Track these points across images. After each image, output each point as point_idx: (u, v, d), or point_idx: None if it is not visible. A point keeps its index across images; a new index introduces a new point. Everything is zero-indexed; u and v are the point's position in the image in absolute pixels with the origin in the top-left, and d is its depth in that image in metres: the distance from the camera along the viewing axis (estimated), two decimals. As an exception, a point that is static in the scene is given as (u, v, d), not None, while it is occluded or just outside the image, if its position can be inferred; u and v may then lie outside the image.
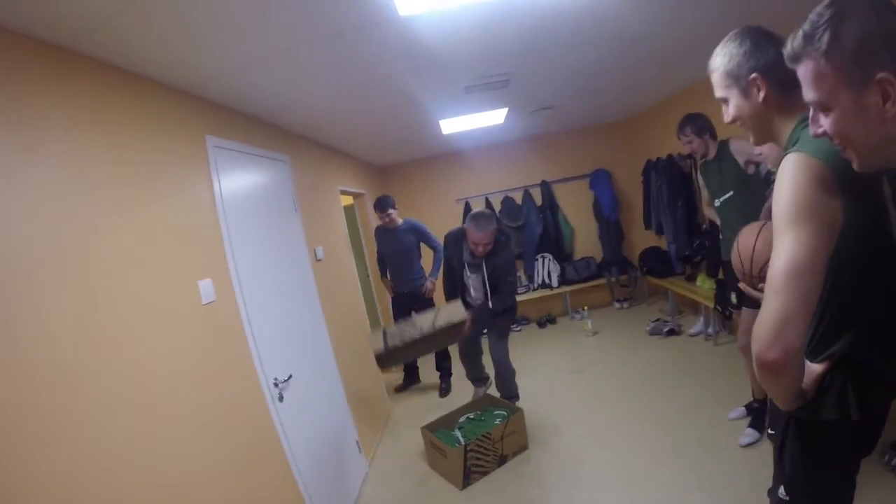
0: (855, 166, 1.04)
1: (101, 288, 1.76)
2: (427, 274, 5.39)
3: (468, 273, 4.18)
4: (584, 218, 7.58)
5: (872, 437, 1.48)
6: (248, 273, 2.71)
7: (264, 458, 2.56)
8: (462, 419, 4.10)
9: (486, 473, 3.61)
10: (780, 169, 1.19)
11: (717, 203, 3.42)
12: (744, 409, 3.56)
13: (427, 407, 5.10)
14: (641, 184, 6.75)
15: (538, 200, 7.45)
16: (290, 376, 2.86)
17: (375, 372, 4.90)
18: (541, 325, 7.34)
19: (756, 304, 1.26)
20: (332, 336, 3.77)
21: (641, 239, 7.18)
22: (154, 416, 1.88)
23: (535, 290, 7.38)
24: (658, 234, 6.59)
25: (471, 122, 4.96)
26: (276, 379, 2.73)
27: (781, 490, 1.61)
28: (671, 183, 5.87)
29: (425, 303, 5.20)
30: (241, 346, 2.56)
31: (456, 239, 4.22)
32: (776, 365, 1.07)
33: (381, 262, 5.53)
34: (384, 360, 3.61)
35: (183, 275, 2.24)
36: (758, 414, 3.39)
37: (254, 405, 2.57)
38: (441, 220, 7.06)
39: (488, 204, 7.27)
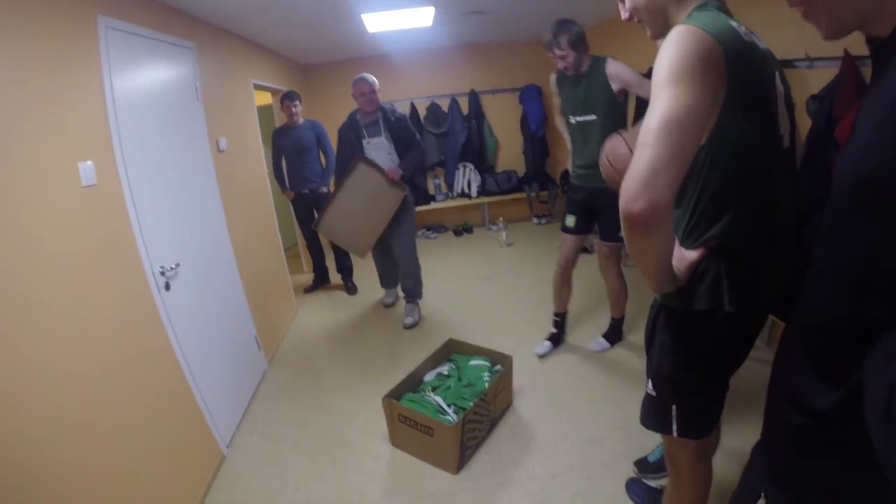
0: (822, 33, 0.88)
1: None
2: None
3: (369, 141, 4.18)
4: (510, 131, 7.55)
5: (747, 337, 1.46)
6: (137, 158, 2.57)
7: (150, 347, 2.52)
8: (429, 377, 3.27)
9: (478, 444, 2.91)
10: (666, 39, 1.13)
11: (573, 121, 3.22)
12: (549, 342, 3.78)
13: (335, 306, 5.24)
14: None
15: (465, 110, 7.35)
16: (178, 264, 2.77)
17: (282, 269, 4.91)
18: (457, 233, 7.46)
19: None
20: (231, 228, 3.65)
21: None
22: (32, 307, 1.81)
23: (453, 198, 7.44)
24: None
25: (396, 22, 4.75)
26: (162, 267, 2.64)
27: (649, 384, 1.61)
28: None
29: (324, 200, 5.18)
30: (125, 231, 2.45)
31: (349, 121, 4.28)
32: (642, 218, 0.99)
33: (279, 170, 5.31)
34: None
35: (61, 157, 2.10)
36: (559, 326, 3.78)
37: (138, 294, 2.49)
38: None
39: (413, 109, 7.13)
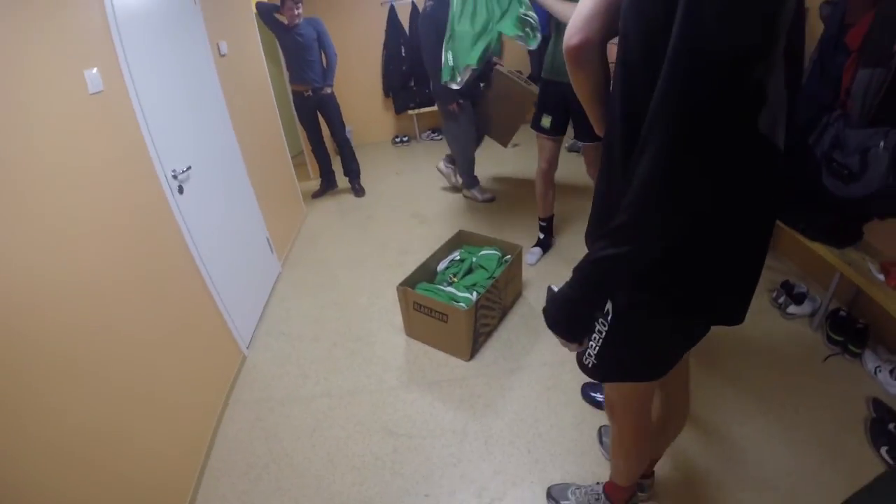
0: None
1: None
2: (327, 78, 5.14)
3: None
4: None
5: None
6: (141, 64, 2.51)
7: (167, 251, 2.55)
8: (442, 266, 3.29)
9: (491, 332, 2.99)
10: None
11: None
12: (539, 248, 3.75)
13: (343, 208, 5.27)
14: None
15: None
16: (190, 167, 2.78)
17: (289, 173, 4.90)
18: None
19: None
20: (238, 131, 3.63)
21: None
22: (50, 213, 1.81)
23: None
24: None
25: None
26: (174, 170, 2.65)
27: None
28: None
29: (331, 106, 5.15)
30: (136, 136, 2.44)
31: (432, 10, 4.00)
32: (578, 50, 1.09)
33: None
34: None
35: (67, 65, 2.04)
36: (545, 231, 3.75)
37: (152, 198, 2.49)
38: (364, 24, 6.81)
39: (414, 8, 6.65)
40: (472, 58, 3.27)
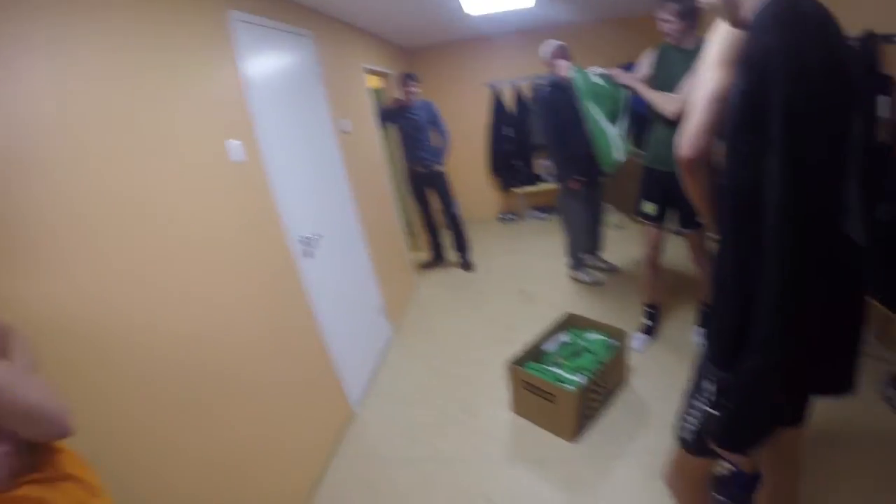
0: None
1: (137, 151, 1.90)
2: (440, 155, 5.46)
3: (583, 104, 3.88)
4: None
5: None
6: (274, 138, 2.86)
7: (287, 303, 2.80)
8: (549, 347, 3.29)
9: (594, 416, 2.95)
10: (721, 26, 1.33)
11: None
12: (645, 335, 3.65)
13: (453, 282, 5.42)
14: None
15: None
16: (316, 235, 3.08)
17: (401, 244, 5.15)
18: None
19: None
20: (358, 203, 3.96)
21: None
22: (193, 267, 2.09)
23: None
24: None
25: (494, 3, 4.70)
26: (302, 237, 2.94)
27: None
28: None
29: (441, 183, 5.43)
30: (269, 202, 2.75)
31: (553, 87, 4.15)
32: (692, 162, 1.34)
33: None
34: None
35: (212, 137, 2.38)
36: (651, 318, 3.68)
37: (281, 260, 2.78)
38: (469, 105, 7.16)
39: (517, 90, 7.05)
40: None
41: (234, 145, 2.50)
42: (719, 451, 1.26)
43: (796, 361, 1.07)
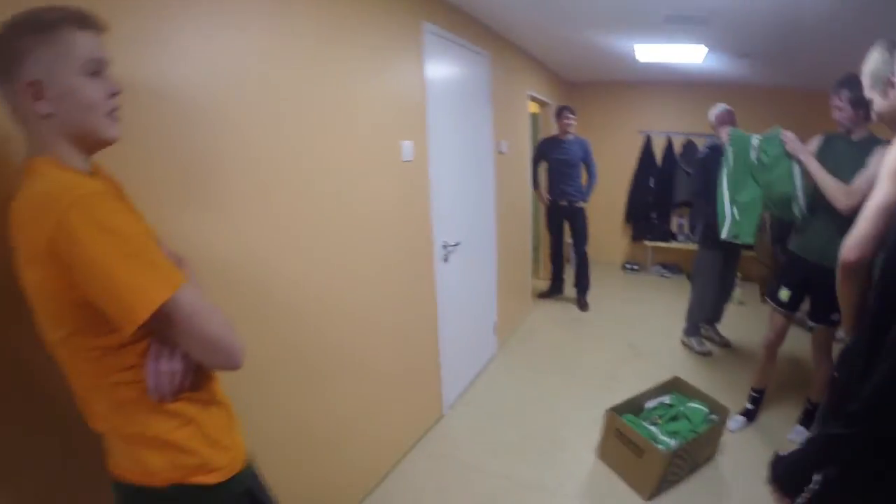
0: None
1: (327, 129, 2.24)
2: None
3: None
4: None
5: None
6: (440, 144, 3.12)
7: (419, 298, 3.08)
8: (650, 404, 3.28)
9: (675, 483, 2.88)
10: None
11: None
12: (744, 417, 3.47)
13: (566, 317, 5.46)
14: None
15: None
16: (458, 243, 3.33)
17: (526, 269, 5.31)
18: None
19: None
20: (498, 220, 4.19)
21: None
22: (344, 244, 2.39)
23: (694, 241, 7.10)
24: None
25: (667, 55, 4.74)
26: (445, 242, 3.19)
27: None
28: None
29: (580, 219, 5.46)
30: (424, 203, 3.03)
31: (712, 151, 4.07)
32: (855, 265, 1.42)
33: (534, 173, 5.64)
34: None
35: (389, 132, 2.68)
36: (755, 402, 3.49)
37: (423, 258, 3.07)
38: (619, 148, 7.15)
39: (669, 143, 6.99)
40: (750, 235, 3.40)
41: (407, 145, 2.79)
42: None
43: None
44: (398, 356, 2.92)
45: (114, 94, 1.06)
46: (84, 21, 1.00)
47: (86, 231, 0.89)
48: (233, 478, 1.16)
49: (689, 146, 6.90)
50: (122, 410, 1.05)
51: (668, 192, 6.97)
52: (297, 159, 2.07)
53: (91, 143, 1.06)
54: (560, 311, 5.64)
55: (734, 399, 3.62)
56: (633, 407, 3.19)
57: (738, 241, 3.49)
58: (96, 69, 1.02)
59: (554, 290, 6.04)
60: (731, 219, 3.46)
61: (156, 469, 1.06)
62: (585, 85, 7.26)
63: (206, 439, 1.11)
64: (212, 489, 1.11)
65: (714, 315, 4.76)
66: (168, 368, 1.03)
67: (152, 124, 1.49)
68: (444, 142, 3.16)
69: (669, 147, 6.99)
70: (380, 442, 2.81)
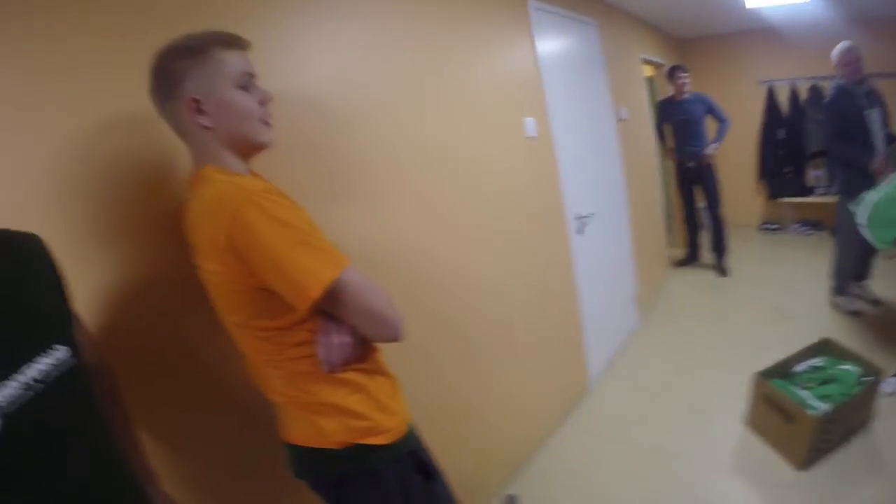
0: None
1: (451, 116, 2.36)
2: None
3: (869, 112, 3.62)
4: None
5: None
6: (561, 118, 3.15)
7: (556, 273, 3.12)
8: (800, 369, 3.06)
9: (828, 451, 2.67)
10: None
11: None
12: None
13: (704, 286, 5.23)
14: None
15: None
16: (590, 214, 3.33)
17: (660, 237, 5.20)
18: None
19: None
20: (627, 189, 4.14)
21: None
22: (482, 225, 2.50)
23: (833, 194, 6.49)
24: None
25: None
26: (578, 213, 3.21)
27: None
28: None
29: (710, 180, 5.21)
30: (553, 177, 3.08)
31: (839, 93, 3.78)
32: None
33: (660, 135, 5.50)
34: None
35: (511, 111, 2.75)
36: None
37: (557, 232, 3.11)
38: (740, 103, 6.64)
39: (793, 91, 6.42)
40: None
41: (530, 122, 2.84)
42: None
43: None
44: (543, 331, 2.98)
45: (265, 102, 1.19)
46: (229, 41, 1.13)
47: (259, 223, 0.99)
48: (400, 439, 1.24)
49: (815, 91, 6.29)
50: (296, 382, 1.17)
51: (800, 143, 6.42)
52: (428, 147, 2.20)
53: (249, 149, 1.20)
54: (699, 279, 5.42)
55: (888, 360, 3.33)
56: (781, 371, 3.02)
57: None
58: (246, 82, 1.15)
59: (691, 258, 5.79)
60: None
61: (330, 432, 1.17)
62: (696, 41, 6.87)
63: (375, 404, 1.21)
64: (381, 449, 1.20)
65: (862, 271, 4.36)
66: (338, 341, 1.12)
67: (294, 129, 1.65)
68: (564, 114, 3.19)
69: (794, 95, 6.43)
70: (529, 415, 2.88)
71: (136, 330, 1.29)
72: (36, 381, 0.79)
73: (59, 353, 0.85)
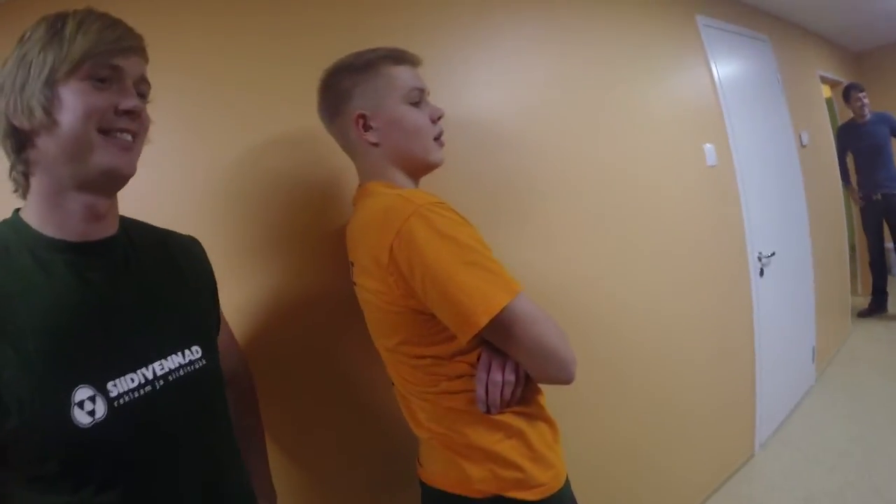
0: None
1: (625, 140, 2.25)
2: None
3: None
4: None
5: None
6: (742, 144, 2.90)
7: (733, 319, 2.81)
8: None
9: None
10: None
11: None
12: None
13: (892, 340, 4.49)
14: None
15: None
16: (773, 254, 2.97)
17: (843, 282, 4.52)
18: None
19: None
20: (810, 225, 3.67)
21: None
22: (653, 261, 2.32)
23: None
24: None
25: None
26: (760, 253, 2.89)
27: None
28: None
29: None
30: (735, 210, 2.82)
31: None
32: None
33: (843, 168, 4.78)
34: None
35: (688, 138, 2.58)
36: None
37: (736, 273, 2.83)
38: None
39: None
40: None
41: (709, 148, 2.65)
42: None
43: None
44: (711, 381, 2.68)
45: (436, 119, 1.15)
46: (399, 57, 1.12)
47: (425, 237, 0.92)
48: (552, 496, 1.08)
49: None
50: (447, 419, 1.07)
51: None
52: (602, 174, 2.12)
53: (418, 167, 1.16)
54: (886, 332, 4.65)
55: None
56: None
57: None
58: (417, 98, 1.12)
59: (876, 307, 4.96)
60: None
61: (476, 479, 1.05)
62: (873, 52, 5.99)
63: (530, 454, 1.07)
64: None
65: None
66: (500, 379, 1.00)
67: (460, 152, 1.59)
68: (745, 140, 2.94)
69: None
70: (680, 478, 2.55)
71: (279, 341, 1.30)
72: (157, 377, 0.79)
73: (193, 355, 0.86)
